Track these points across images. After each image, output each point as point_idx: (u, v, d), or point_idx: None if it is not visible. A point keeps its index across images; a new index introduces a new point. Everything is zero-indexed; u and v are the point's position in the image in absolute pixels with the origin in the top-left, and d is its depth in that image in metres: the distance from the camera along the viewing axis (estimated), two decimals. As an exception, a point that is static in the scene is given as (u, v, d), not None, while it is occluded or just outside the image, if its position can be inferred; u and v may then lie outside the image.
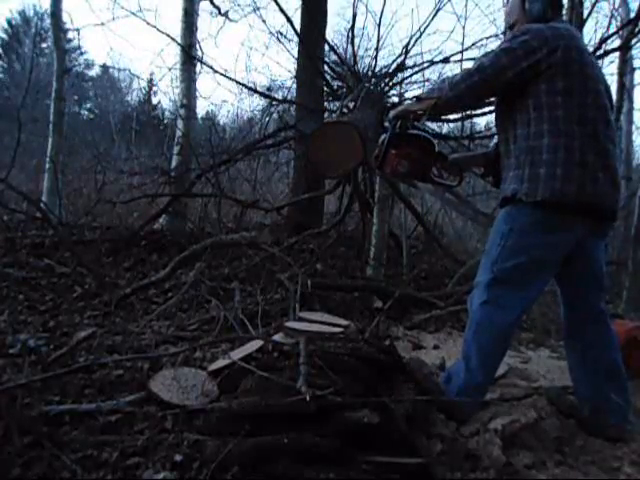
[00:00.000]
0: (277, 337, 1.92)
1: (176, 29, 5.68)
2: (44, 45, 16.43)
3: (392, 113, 1.84)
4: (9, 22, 19.99)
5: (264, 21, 6.48)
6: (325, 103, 5.06)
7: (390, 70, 4.42)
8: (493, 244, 1.70)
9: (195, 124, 5.62)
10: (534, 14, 1.76)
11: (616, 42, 5.05)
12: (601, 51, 4.01)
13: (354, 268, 4.10)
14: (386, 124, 1.87)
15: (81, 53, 18.27)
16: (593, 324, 1.73)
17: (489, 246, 1.73)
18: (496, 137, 1.91)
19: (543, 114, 1.60)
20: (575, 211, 1.59)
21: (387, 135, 1.83)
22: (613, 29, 4.89)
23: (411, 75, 4.63)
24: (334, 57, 5.03)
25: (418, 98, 1.79)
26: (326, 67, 4.86)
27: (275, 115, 5.74)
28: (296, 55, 5.36)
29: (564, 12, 3.76)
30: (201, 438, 1.30)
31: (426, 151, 1.86)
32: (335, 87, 4.82)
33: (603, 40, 4.04)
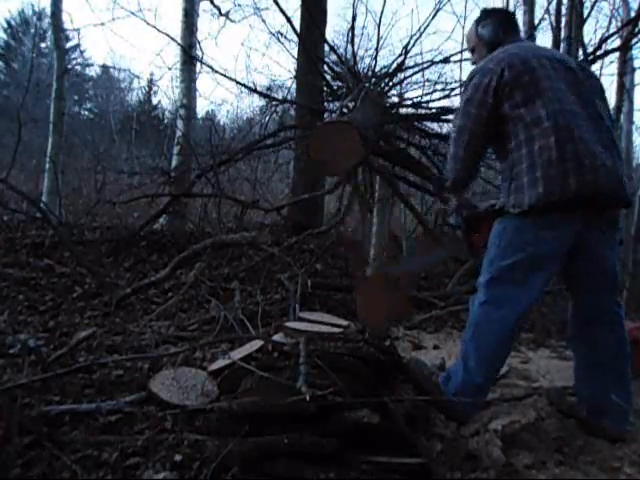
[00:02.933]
0: (277, 337, 1.92)
1: (176, 29, 5.68)
2: (43, 45, 16.44)
3: (453, 209, 1.95)
4: (8, 22, 20.00)
5: (264, 21, 6.50)
6: (325, 103, 5.06)
7: (390, 70, 4.41)
8: (491, 245, 1.72)
9: (195, 124, 5.63)
10: (486, 39, 1.87)
11: (616, 42, 5.06)
12: (601, 51, 4.01)
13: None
14: (451, 221, 1.97)
15: (81, 52, 18.25)
16: (602, 326, 1.70)
17: (488, 247, 1.74)
18: None
19: (517, 127, 1.64)
20: (564, 207, 1.57)
21: (463, 224, 1.92)
22: (613, 29, 4.90)
23: (411, 75, 4.62)
24: (334, 57, 5.03)
25: (449, 194, 1.96)
26: (326, 67, 4.85)
27: (275, 115, 5.74)
28: (296, 55, 5.37)
29: (564, 15, 3.77)
30: (201, 438, 1.30)
31: (491, 219, 1.91)
32: (335, 87, 4.82)
33: (603, 40, 4.04)
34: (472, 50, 1.96)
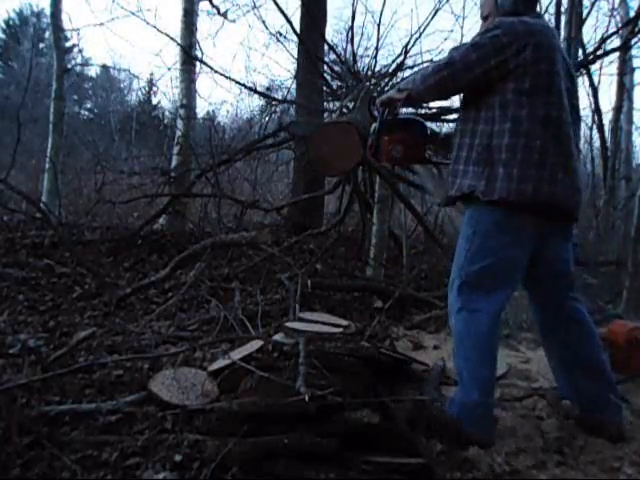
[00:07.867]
0: (277, 337, 1.92)
1: (176, 29, 5.68)
2: (42, 45, 16.42)
3: (379, 101, 1.84)
4: (7, 22, 19.99)
5: (264, 22, 6.44)
6: (325, 103, 5.06)
7: (390, 70, 4.42)
8: (460, 248, 1.69)
9: (195, 124, 5.62)
10: (505, 8, 1.74)
11: (616, 42, 5.05)
12: (601, 51, 4.01)
13: (354, 268, 4.10)
14: (375, 113, 1.87)
15: (79, 51, 18.22)
16: (567, 322, 1.71)
17: (458, 250, 1.71)
18: None
19: (508, 113, 1.59)
20: (532, 211, 1.58)
21: (377, 123, 1.83)
22: (613, 29, 4.89)
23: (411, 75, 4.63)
24: (334, 57, 5.03)
25: (399, 88, 1.80)
26: (326, 67, 4.86)
27: (275, 115, 5.74)
28: (296, 55, 5.37)
29: (563, 14, 3.77)
30: (201, 438, 1.30)
31: (418, 133, 1.87)
32: (335, 87, 4.82)
33: (603, 40, 4.04)
34: (485, 18, 1.84)
